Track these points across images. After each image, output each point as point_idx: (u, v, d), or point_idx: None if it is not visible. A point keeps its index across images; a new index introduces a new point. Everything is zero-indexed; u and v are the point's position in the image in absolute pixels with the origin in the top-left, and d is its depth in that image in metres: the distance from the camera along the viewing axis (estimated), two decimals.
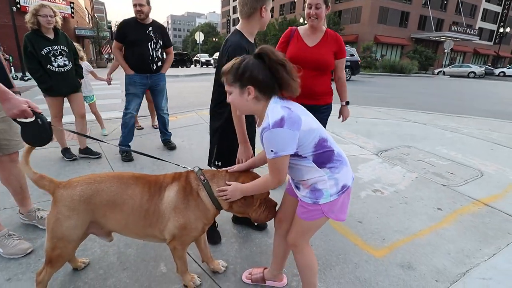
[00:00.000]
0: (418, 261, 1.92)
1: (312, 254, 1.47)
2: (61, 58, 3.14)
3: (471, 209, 2.57)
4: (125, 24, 3.45)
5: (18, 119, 1.61)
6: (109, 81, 4.58)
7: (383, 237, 2.18)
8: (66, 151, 3.49)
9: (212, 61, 31.19)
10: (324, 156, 1.24)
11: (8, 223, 2.13)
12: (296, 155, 1.22)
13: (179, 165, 1.77)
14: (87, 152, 3.56)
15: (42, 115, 1.66)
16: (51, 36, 3.06)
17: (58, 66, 3.12)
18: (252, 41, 1.85)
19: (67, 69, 3.19)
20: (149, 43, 3.49)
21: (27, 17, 2.96)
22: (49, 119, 1.77)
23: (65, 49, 3.17)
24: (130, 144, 3.74)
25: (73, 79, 3.33)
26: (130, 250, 1.94)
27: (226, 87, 1.28)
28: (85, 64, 4.44)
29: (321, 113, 2.32)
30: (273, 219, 1.58)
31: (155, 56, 3.56)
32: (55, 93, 3.20)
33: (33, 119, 1.64)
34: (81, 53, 4.46)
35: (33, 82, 13.17)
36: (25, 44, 2.94)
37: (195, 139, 4.41)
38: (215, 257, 1.91)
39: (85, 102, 4.37)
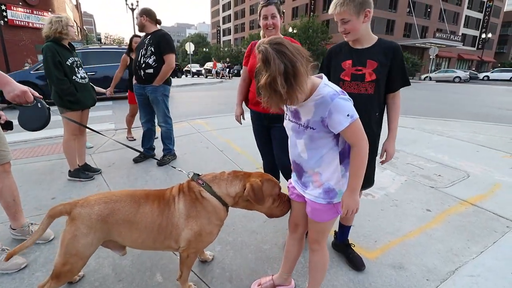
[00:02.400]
0: (409, 261, 1.97)
1: (328, 253, 1.52)
2: (81, 69, 3.10)
3: (458, 209, 2.65)
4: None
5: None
6: (108, 94, 4.61)
7: (375, 239, 2.22)
8: (79, 171, 3.28)
9: (203, 71, 31.28)
10: (346, 149, 1.27)
11: (0, 238, 2.11)
12: (337, 135, 1.23)
13: (175, 167, 1.84)
14: (86, 169, 3.41)
15: (42, 100, 1.74)
16: (68, 47, 3.03)
17: (81, 77, 3.07)
18: (359, 46, 1.70)
19: (87, 81, 3.16)
20: (141, 50, 3.55)
21: (53, 26, 2.85)
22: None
23: (80, 61, 3.16)
24: (149, 148, 4.05)
25: (93, 92, 3.31)
26: (125, 261, 1.94)
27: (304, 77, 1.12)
28: None
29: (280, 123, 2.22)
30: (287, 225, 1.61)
31: (142, 62, 3.51)
32: (81, 106, 3.08)
33: (33, 103, 1.72)
34: None
35: None
36: (52, 54, 2.81)
37: (188, 148, 4.43)
38: (211, 264, 1.93)
39: None
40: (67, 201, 1.51)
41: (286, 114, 1.37)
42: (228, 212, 1.56)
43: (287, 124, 1.37)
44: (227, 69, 29.83)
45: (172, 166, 1.94)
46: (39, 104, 1.73)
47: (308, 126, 1.23)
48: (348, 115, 1.13)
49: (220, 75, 27.16)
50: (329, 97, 1.14)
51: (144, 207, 1.46)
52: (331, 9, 1.64)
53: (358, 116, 1.15)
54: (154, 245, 1.50)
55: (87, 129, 4.37)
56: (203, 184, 1.50)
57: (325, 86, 1.18)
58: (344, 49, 1.74)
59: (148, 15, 3.49)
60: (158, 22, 3.59)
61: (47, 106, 1.75)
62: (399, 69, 1.66)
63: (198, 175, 1.56)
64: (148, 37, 3.53)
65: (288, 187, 1.55)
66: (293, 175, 1.47)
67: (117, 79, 4.79)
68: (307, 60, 1.12)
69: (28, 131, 1.77)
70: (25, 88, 1.67)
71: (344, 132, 1.16)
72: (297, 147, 1.33)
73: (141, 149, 4.04)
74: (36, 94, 1.74)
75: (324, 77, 1.23)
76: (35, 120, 1.74)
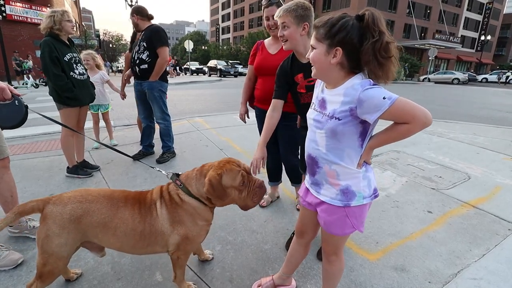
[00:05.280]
0: (411, 263, 1.96)
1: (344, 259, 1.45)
2: (80, 65, 3.05)
3: (460, 212, 2.64)
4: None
5: None
6: (122, 96, 4.27)
7: (377, 240, 2.21)
8: (77, 168, 3.25)
9: (206, 70, 29.66)
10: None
11: None
12: (365, 125, 1.12)
13: (153, 168, 1.81)
14: (84, 166, 3.38)
15: (21, 98, 1.73)
16: (67, 43, 2.98)
17: (79, 74, 3.02)
18: (304, 60, 1.83)
19: (85, 78, 3.12)
20: (135, 47, 3.55)
21: (49, 21, 2.80)
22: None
23: (79, 57, 3.12)
24: (149, 145, 3.99)
25: (91, 89, 3.26)
26: (125, 260, 1.91)
27: (312, 40, 1.15)
28: (102, 73, 4.32)
29: (290, 121, 2.25)
30: (295, 231, 1.58)
31: (136, 58, 3.51)
32: (78, 103, 3.04)
33: (10, 101, 1.70)
34: (98, 61, 4.35)
35: (19, 91, 12.88)
36: (49, 49, 2.77)
37: (187, 147, 4.40)
38: (212, 264, 1.91)
39: (99, 111, 4.35)
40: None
41: (313, 103, 1.29)
42: (214, 212, 1.52)
43: (311, 113, 1.27)
44: (177, 67, 27.51)
45: (150, 166, 1.88)
46: (16, 101, 1.70)
47: (334, 116, 1.13)
48: (384, 98, 1.02)
49: (170, 74, 23.81)
50: (360, 86, 1.06)
51: (124, 212, 1.38)
52: (276, 14, 1.82)
53: (398, 96, 1.03)
54: (133, 250, 1.45)
55: (105, 122, 4.47)
56: (181, 185, 1.44)
57: (359, 77, 1.12)
58: (294, 64, 1.89)
59: (138, 13, 3.48)
60: (149, 17, 3.56)
61: (25, 104, 1.73)
62: None
63: (178, 175, 1.50)
64: (142, 33, 3.53)
65: (298, 193, 1.48)
66: (307, 176, 1.37)
67: (125, 82, 4.41)
68: None
69: (4, 129, 1.74)
70: (3, 85, 1.65)
71: (387, 115, 1.04)
72: (316, 139, 1.23)
73: (141, 148, 4.02)
74: (15, 91, 1.72)
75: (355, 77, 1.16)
76: (11, 118, 1.71)
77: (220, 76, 26.56)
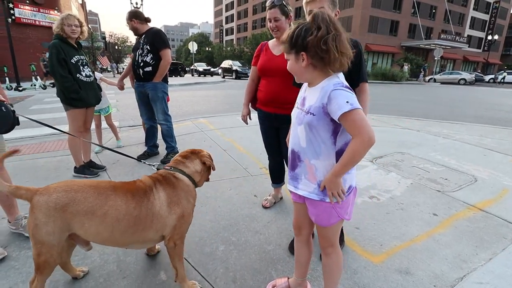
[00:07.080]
0: (416, 266, 1.94)
1: (341, 252, 1.49)
2: (87, 68, 3.12)
3: (466, 214, 2.61)
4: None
5: None
6: (120, 87, 4.06)
7: (381, 243, 2.19)
8: (84, 168, 3.31)
9: (220, 71, 28.01)
10: (343, 149, 1.22)
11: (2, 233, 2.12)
12: (335, 133, 1.21)
13: (140, 161, 1.97)
14: (91, 166, 3.44)
15: (6, 103, 1.75)
16: (75, 46, 3.06)
17: (86, 75, 3.09)
18: None
19: (92, 80, 3.18)
20: (138, 50, 3.59)
21: (56, 24, 2.94)
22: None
23: (87, 59, 3.18)
24: (153, 145, 4.06)
25: (98, 91, 3.33)
26: (130, 258, 1.93)
27: (285, 55, 1.28)
28: (96, 74, 4.32)
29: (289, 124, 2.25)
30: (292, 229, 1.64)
31: (140, 61, 3.56)
32: (84, 104, 3.09)
33: None
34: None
35: (27, 92, 13.08)
36: (57, 51, 2.85)
37: (191, 147, 4.38)
38: (215, 264, 1.92)
39: (100, 114, 4.34)
40: None
41: (297, 102, 1.39)
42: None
43: (294, 111, 1.38)
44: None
45: (137, 159, 2.02)
46: (3, 107, 1.71)
47: (309, 111, 1.23)
48: (347, 102, 1.11)
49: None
50: (332, 85, 1.17)
51: (115, 199, 1.42)
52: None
53: (360, 107, 1.11)
54: (123, 238, 1.46)
55: (109, 126, 4.46)
56: (170, 168, 1.63)
57: (335, 77, 1.21)
58: None
59: (136, 17, 3.53)
60: (147, 20, 3.61)
61: (12, 109, 1.74)
62: (354, 65, 1.64)
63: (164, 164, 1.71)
64: (143, 36, 3.57)
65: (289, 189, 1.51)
66: (288, 172, 1.43)
67: (126, 74, 4.17)
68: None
69: None
70: None
71: (343, 119, 1.12)
72: (298, 134, 1.32)
73: (146, 149, 4.06)
74: (0, 97, 1.74)
75: (341, 74, 1.25)
76: (0, 124, 1.72)
77: (235, 78, 24.78)
